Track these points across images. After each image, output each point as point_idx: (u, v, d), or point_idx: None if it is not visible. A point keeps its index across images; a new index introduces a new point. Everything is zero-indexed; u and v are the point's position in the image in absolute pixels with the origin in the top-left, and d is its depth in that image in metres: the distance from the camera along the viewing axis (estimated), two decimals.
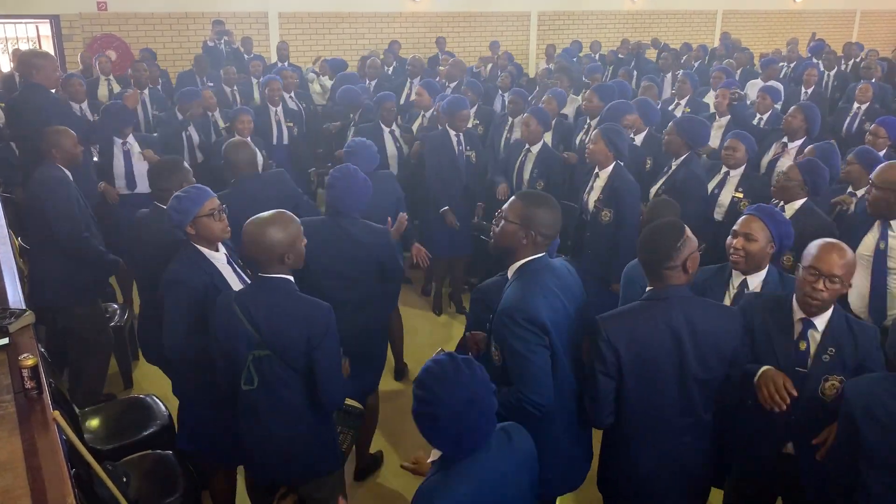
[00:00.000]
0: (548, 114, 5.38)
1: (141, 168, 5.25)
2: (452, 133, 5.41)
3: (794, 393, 2.41)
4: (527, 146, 5.19)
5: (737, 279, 2.94)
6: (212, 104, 6.67)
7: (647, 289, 2.51)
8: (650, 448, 2.53)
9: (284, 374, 2.63)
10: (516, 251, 2.51)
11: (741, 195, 4.47)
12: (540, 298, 2.42)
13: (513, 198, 2.57)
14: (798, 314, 2.58)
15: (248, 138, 5.83)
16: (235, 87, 8.20)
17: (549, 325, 2.40)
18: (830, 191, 4.21)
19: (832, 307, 2.55)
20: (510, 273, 2.55)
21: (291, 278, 2.67)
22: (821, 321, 2.55)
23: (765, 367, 2.51)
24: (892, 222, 3.46)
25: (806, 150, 4.30)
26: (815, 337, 2.55)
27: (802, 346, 2.56)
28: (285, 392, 2.64)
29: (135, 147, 5.33)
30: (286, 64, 9.48)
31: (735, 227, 2.93)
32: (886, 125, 4.94)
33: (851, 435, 2.27)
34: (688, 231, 2.47)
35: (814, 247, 2.54)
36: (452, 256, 5.75)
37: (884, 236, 3.46)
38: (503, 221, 2.52)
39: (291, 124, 6.74)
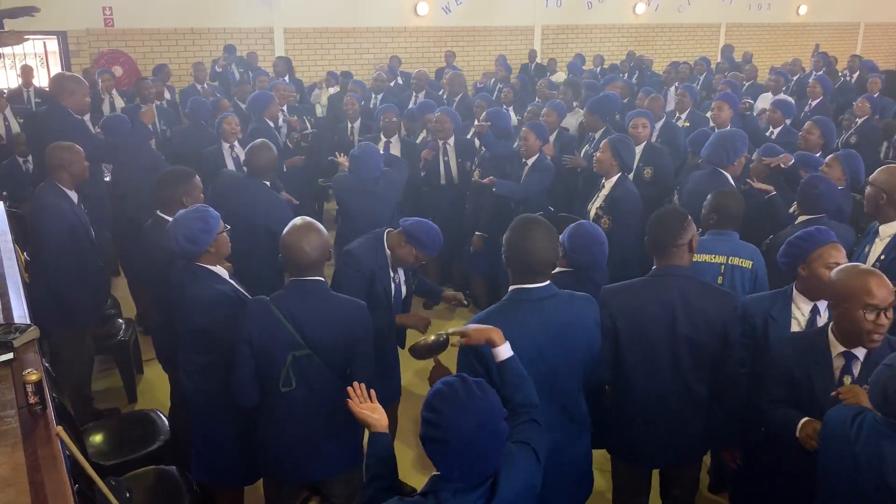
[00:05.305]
0: (545, 127, 5.39)
1: None
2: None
3: None
4: (523, 160, 5.21)
5: None
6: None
7: (653, 268, 2.78)
8: (644, 411, 2.74)
9: (323, 373, 2.70)
10: (510, 278, 2.51)
11: None
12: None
13: None
14: (838, 348, 2.44)
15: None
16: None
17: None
18: (855, 200, 4.30)
19: None
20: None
21: (325, 280, 2.76)
22: (860, 350, 2.41)
23: (804, 420, 2.40)
24: (880, 227, 3.37)
25: (826, 159, 4.31)
26: (858, 367, 2.43)
27: (847, 381, 2.41)
28: (324, 390, 2.70)
29: None
30: (286, 79, 9.43)
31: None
32: None
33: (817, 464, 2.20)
34: (689, 217, 2.75)
35: (857, 283, 2.33)
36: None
37: (870, 241, 3.40)
38: None
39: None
